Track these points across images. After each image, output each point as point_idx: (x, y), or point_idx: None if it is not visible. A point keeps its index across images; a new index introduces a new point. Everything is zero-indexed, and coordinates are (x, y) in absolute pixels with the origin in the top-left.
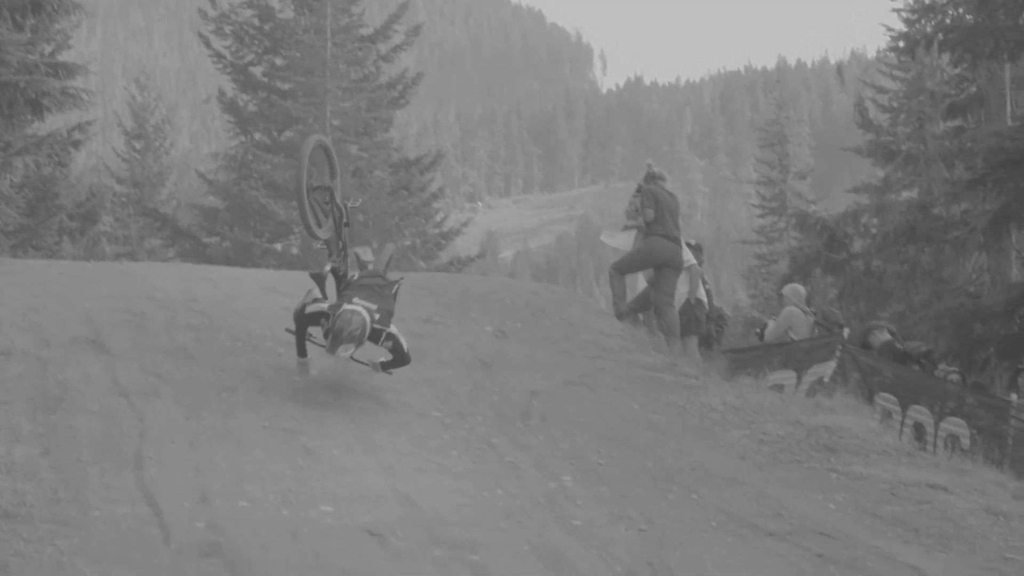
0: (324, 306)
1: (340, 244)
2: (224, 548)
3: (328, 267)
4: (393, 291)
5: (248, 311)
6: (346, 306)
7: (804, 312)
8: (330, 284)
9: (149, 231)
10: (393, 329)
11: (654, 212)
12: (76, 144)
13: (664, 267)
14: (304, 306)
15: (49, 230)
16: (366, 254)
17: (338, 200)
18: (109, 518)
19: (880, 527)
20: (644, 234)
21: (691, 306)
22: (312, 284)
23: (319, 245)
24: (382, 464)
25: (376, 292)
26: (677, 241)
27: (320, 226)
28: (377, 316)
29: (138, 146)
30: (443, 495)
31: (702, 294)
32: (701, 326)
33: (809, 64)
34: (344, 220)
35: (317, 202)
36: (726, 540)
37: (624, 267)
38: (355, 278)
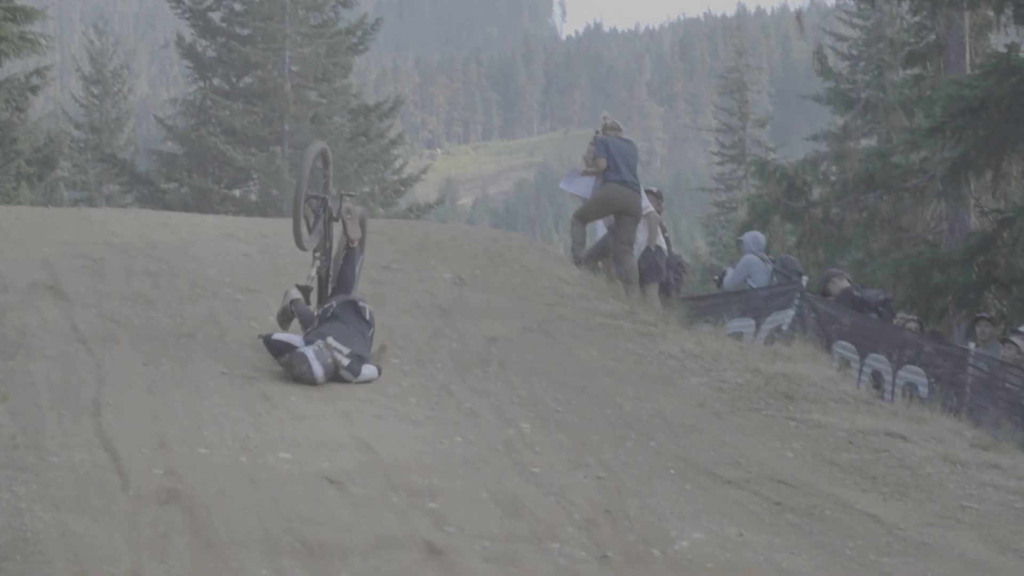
0: (294, 339)
1: (326, 245)
2: (182, 494)
3: (313, 271)
4: (370, 333)
5: (206, 257)
6: (314, 347)
7: (763, 260)
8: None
9: (107, 177)
10: (365, 373)
11: (607, 161)
12: (34, 89)
13: (622, 214)
14: (272, 335)
15: (6, 175)
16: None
17: (330, 203)
18: (67, 464)
19: (838, 475)
20: (601, 182)
21: (651, 253)
22: (291, 288)
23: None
24: (340, 411)
25: (353, 331)
26: (634, 188)
27: (309, 233)
28: (347, 362)
29: (96, 91)
30: (401, 442)
31: (661, 241)
32: (661, 273)
33: (768, 11)
34: (333, 216)
35: (311, 209)
36: (684, 487)
37: (584, 215)
38: (334, 307)
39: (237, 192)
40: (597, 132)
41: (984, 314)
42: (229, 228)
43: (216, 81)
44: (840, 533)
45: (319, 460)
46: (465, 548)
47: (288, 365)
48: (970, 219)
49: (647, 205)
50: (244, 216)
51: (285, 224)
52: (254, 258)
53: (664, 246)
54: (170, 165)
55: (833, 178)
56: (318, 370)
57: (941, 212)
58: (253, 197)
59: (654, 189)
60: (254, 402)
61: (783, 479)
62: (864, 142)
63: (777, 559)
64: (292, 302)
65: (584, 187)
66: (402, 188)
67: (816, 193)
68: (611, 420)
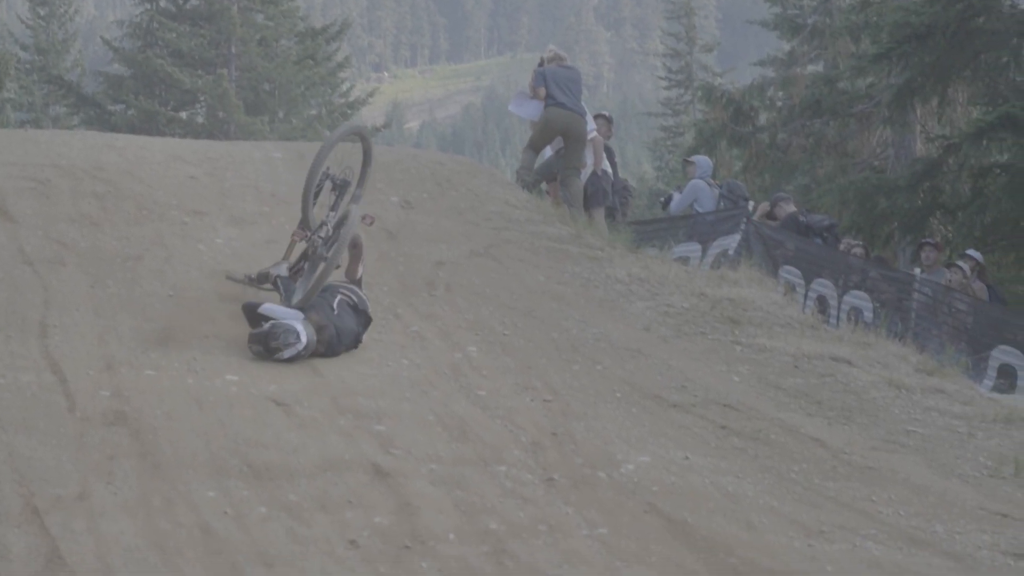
0: (276, 311)
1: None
2: (129, 416)
3: (282, 269)
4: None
5: (153, 180)
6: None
7: (709, 185)
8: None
9: (54, 99)
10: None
11: (545, 89)
12: None
13: (568, 139)
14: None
15: None
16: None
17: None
18: (13, 386)
19: (783, 399)
20: (544, 107)
21: (596, 177)
22: (282, 264)
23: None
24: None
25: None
26: (575, 111)
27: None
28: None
29: (42, 12)
30: (348, 365)
31: (607, 165)
32: (607, 197)
33: None
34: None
35: (332, 187)
36: (630, 411)
37: (533, 142)
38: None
39: (184, 114)
40: (542, 61)
41: (929, 239)
42: (176, 151)
43: (162, 3)
44: (785, 457)
45: (266, 383)
46: (412, 471)
47: (267, 340)
48: (916, 145)
49: (592, 129)
50: (191, 139)
51: (232, 147)
52: (201, 181)
53: (610, 170)
54: (117, 87)
55: (779, 104)
56: (303, 342)
57: (887, 138)
58: (200, 120)
59: (605, 113)
60: (200, 325)
61: (729, 403)
62: (811, 68)
63: (722, 482)
64: (278, 277)
65: (531, 110)
66: (349, 112)
67: (763, 119)
68: (557, 344)
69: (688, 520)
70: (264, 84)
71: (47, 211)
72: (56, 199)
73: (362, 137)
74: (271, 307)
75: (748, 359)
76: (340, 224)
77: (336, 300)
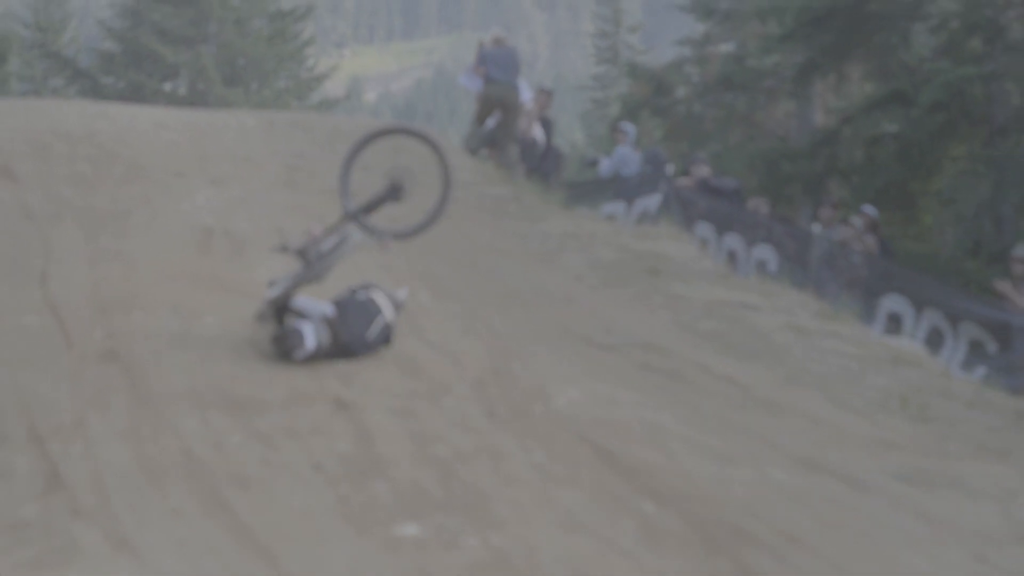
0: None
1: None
2: (120, 354)
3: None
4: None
5: (141, 144)
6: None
7: (633, 151)
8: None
9: (52, 72)
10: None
11: (484, 68)
12: None
13: (504, 110)
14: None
15: None
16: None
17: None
18: (18, 327)
19: (698, 341)
20: (484, 83)
21: (523, 143)
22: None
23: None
24: (259, 282)
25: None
26: (510, 86)
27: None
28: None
29: None
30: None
31: (536, 133)
32: (532, 160)
33: None
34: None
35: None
36: (563, 352)
37: (479, 115)
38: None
39: (168, 86)
40: (482, 44)
41: (828, 199)
42: (160, 118)
43: None
44: (700, 392)
45: (241, 326)
46: (370, 403)
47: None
48: (816, 116)
49: (526, 100)
50: (174, 108)
51: (210, 116)
52: (182, 145)
53: (539, 137)
54: (108, 62)
55: (695, 79)
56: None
57: (791, 110)
58: (182, 91)
59: (547, 87)
60: (183, 274)
61: (650, 344)
62: (723, 47)
63: (644, 415)
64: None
65: (477, 84)
66: (314, 84)
67: (680, 92)
68: (499, 292)
69: (614, 448)
70: (239, 59)
71: (47, 172)
72: (55, 162)
73: (432, 145)
74: (302, 301)
75: (667, 305)
76: (338, 247)
77: (373, 315)
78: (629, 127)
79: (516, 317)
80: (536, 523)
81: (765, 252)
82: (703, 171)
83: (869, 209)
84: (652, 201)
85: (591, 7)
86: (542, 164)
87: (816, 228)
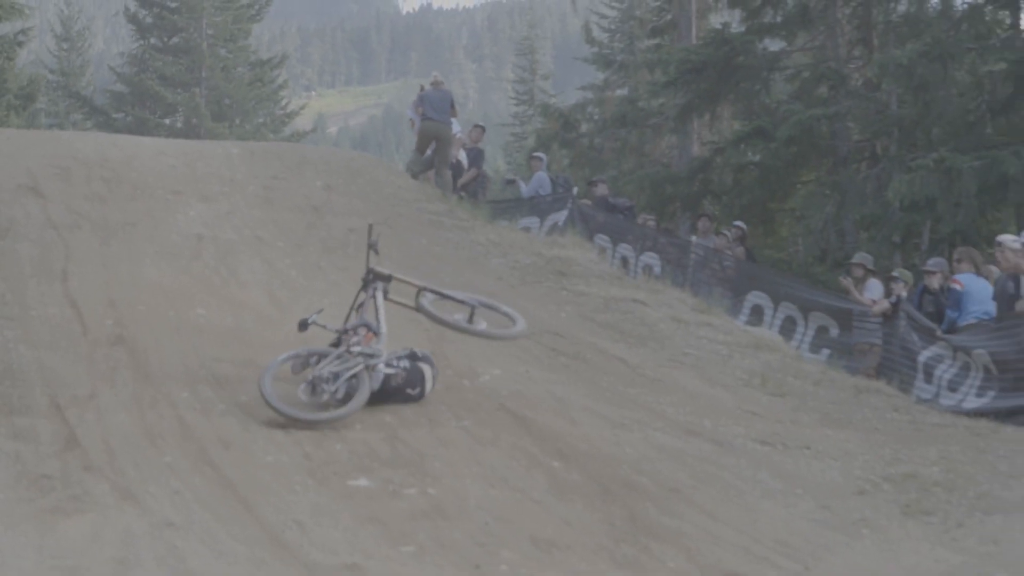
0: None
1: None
2: (127, 339)
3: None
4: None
5: (145, 168)
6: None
7: (546, 175)
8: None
9: (73, 108)
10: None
11: (422, 107)
12: (20, 44)
13: (438, 142)
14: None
15: (0, 107)
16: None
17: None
18: (43, 316)
19: (597, 329)
20: (422, 120)
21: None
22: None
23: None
24: (240, 280)
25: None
26: (442, 122)
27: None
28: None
29: (65, 46)
30: (284, 305)
31: (462, 157)
32: (457, 176)
33: None
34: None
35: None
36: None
37: (419, 146)
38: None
39: (167, 121)
40: (423, 87)
41: (704, 214)
42: (161, 147)
43: (152, 40)
44: (598, 371)
45: (225, 316)
46: None
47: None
48: (693, 148)
49: (456, 132)
50: (172, 139)
51: (201, 145)
52: (179, 169)
53: (463, 161)
54: (119, 101)
55: (596, 117)
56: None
57: (673, 143)
58: (179, 125)
59: (480, 124)
60: (178, 273)
61: (557, 332)
62: (618, 92)
63: (553, 389)
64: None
65: (419, 120)
66: (286, 120)
67: (584, 128)
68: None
69: (528, 416)
70: (225, 99)
71: (68, 190)
72: (74, 182)
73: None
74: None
75: (571, 300)
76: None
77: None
78: (542, 156)
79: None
80: (465, 477)
81: (651, 258)
82: (602, 192)
83: (738, 224)
84: (560, 216)
85: (512, 59)
86: (471, 185)
87: (693, 238)
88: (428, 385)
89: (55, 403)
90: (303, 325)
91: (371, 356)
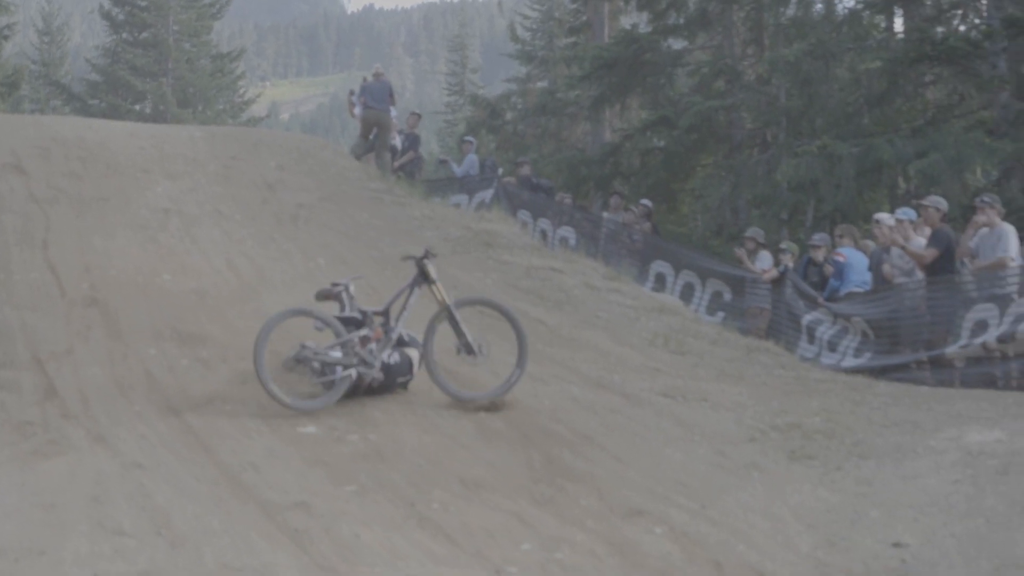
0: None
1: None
2: (100, 301)
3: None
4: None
5: (117, 149)
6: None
7: (475, 157)
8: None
9: (53, 95)
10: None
11: (365, 98)
12: (5, 37)
13: (379, 128)
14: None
15: None
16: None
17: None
18: (25, 280)
19: (519, 294)
20: (364, 108)
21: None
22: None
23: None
24: (202, 249)
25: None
26: (380, 110)
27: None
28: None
29: (46, 40)
30: (241, 271)
31: (396, 141)
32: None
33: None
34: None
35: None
36: (421, 301)
37: (362, 132)
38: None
39: (137, 107)
40: (365, 79)
41: (615, 193)
42: (132, 130)
43: (124, 35)
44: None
45: (189, 280)
46: (279, 332)
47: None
48: (605, 134)
49: (394, 117)
50: (141, 123)
51: (168, 129)
52: (148, 150)
53: (398, 144)
54: (94, 89)
55: (519, 106)
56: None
57: (587, 129)
58: (147, 111)
59: (417, 112)
60: (146, 242)
61: (484, 296)
62: (539, 84)
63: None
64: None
65: (360, 109)
66: (244, 107)
67: (508, 116)
68: (375, 258)
69: (458, 371)
70: (189, 88)
71: (48, 168)
72: (54, 160)
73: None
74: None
75: (497, 269)
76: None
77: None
78: (472, 140)
79: (388, 276)
80: (401, 425)
81: (567, 231)
82: (525, 172)
83: (645, 201)
84: (487, 194)
85: (445, 54)
86: (408, 166)
87: (605, 214)
88: (415, 369)
89: (36, 357)
90: (326, 293)
91: (367, 365)
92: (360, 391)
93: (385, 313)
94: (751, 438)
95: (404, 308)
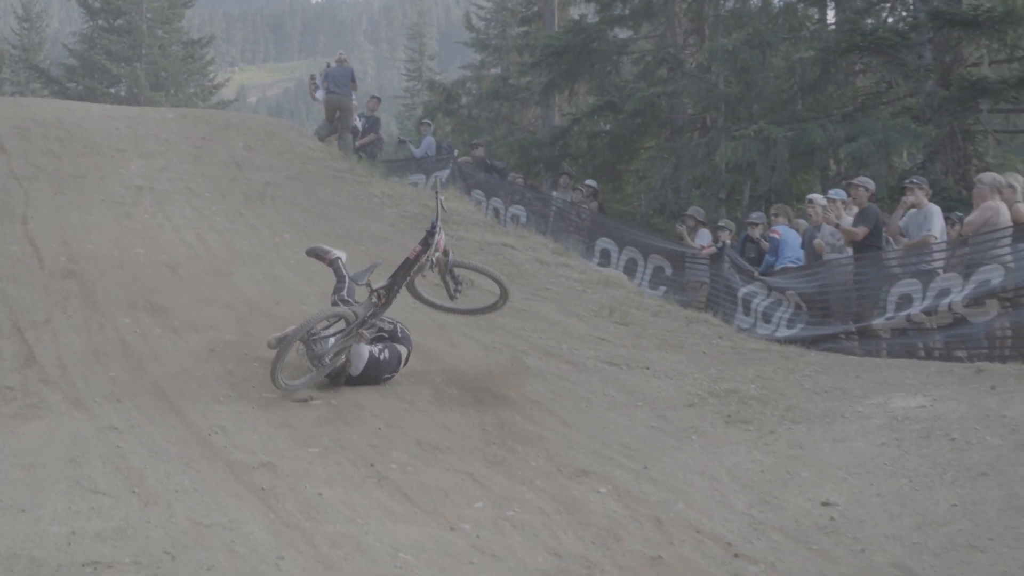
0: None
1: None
2: (77, 272)
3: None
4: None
5: (93, 129)
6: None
7: (432, 139)
8: None
9: (32, 79)
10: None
11: (328, 83)
12: None
13: (340, 111)
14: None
15: None
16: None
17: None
18: (6, 253)
19: None
20: (326, 93)
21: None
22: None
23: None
24: (175, 224)
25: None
26: (341, 94)
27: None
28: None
29: (26, 26)
30: (210, 245)
31: (356, 122)
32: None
33: None
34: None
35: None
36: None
37: (326, 115)
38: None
39: (112, 90)
40: (328, 65)
41: (565, 173)
42: (107, 112)
43: (100, 21)
44: (475, 301)
45: (161, 254)
46: (248, 306)
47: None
48: (555, 118)
49: (353, 102)
50: (116, 105)
51: (141, 111)
52: (122, 131)
53: (359, 126)
54: (71, 72)
55: (474, 92)
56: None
57: (538, 114)
58: (122, 94)
59: (377, 95)
60: (121, 218)
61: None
62: (493, 71)
63: (435, 316)
64: (335, 259)
65: (322, 94)
66: (213, 90)
67: (464, 100)
68: (338, 232)
69: (414, 339)
70: (162, 73)
71: (28, 147)
72: (33, 140)
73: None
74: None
75: (452, 244)
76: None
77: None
78: (430, 123)
79: (350, 250)
80: (362, 391)
81: (519, 210)
82: (480, 154)
83: (591, 182)
84: (444, 174)
85: (404, 42)
86: (369, 147)
87: (554, 194)
88: (402, 366)
89: (16, 326)
90: (317, 254)
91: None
92: (340, 380)
93: (389, 287)
94: (690, 403)
95: (411, 273)
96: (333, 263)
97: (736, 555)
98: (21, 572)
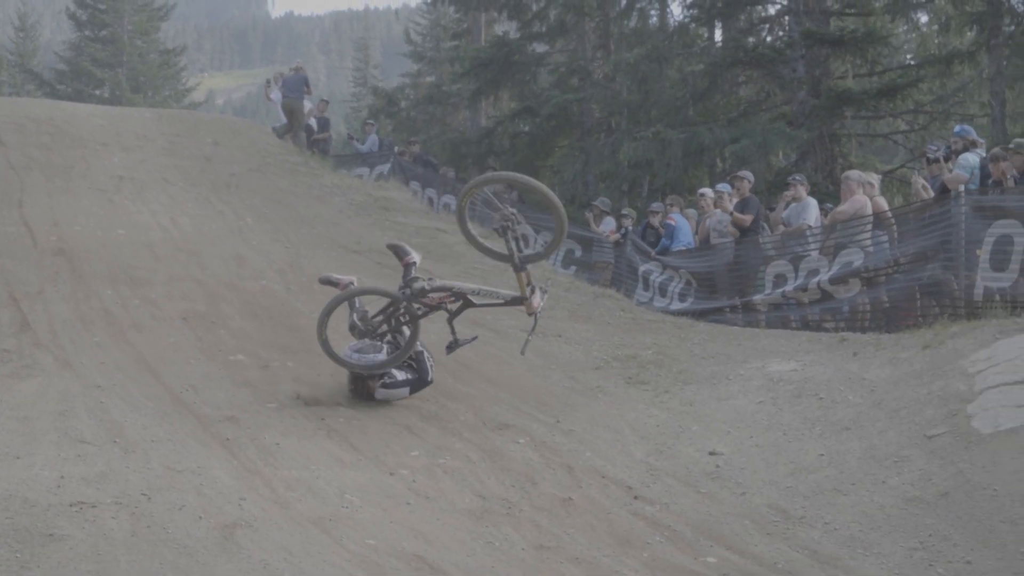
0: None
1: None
2: (66, 250)
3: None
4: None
5: (81, 125)
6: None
7: (376, 137)
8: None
9: (27, 81)
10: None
11: (284, 89)
12: None
13: (294, 113)
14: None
15: None
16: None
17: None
18: (4, 234)
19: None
20: (282, 98)
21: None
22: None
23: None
24: (152, 209)
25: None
26: (299, 100)
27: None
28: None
29: (21, 35)
30: (182, 227)
31: (312, 123)
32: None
33: (383, 8)
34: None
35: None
36: (332, 254)
37: (285, 117)
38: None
39: (97, 92)
40: (285, 72)
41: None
42: (93, 111)
43: (86, 32)
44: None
45: (140, 235)
46: (215, 281)
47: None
48: (481, 120)
49: (307, 106)
50: (101, 105)
51: (123, 110)
52: (106, 128)
53: (313, 126)
54: (62, 77)
55: (412, 97)
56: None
57: (467, 116)
58: (106, 96)
59: (326, 99)
60: (105, 203)
61: (382, 251)
62: (428, 79)
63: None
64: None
65: (278, 96)
66: (186, 93)
67: (403, 104)
68: (294, 218)
69: (369, 311)
70: (140, 77)
71: (23, 141)
72: (28, 134)
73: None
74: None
75: (392, 228)
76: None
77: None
78: (374, 123)
79: (304, 233)
80: (315, 354)
81: (450, 199)
82: (416, 150)
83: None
84: (385, 167)
85: (352, 53)
86: (321, 144)
87: None
88: (430, 378)
89: (12, 296)
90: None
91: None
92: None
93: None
94: (597, 367)
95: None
96: (408, 267)
97: (636, 497)
98: (16, 511)
